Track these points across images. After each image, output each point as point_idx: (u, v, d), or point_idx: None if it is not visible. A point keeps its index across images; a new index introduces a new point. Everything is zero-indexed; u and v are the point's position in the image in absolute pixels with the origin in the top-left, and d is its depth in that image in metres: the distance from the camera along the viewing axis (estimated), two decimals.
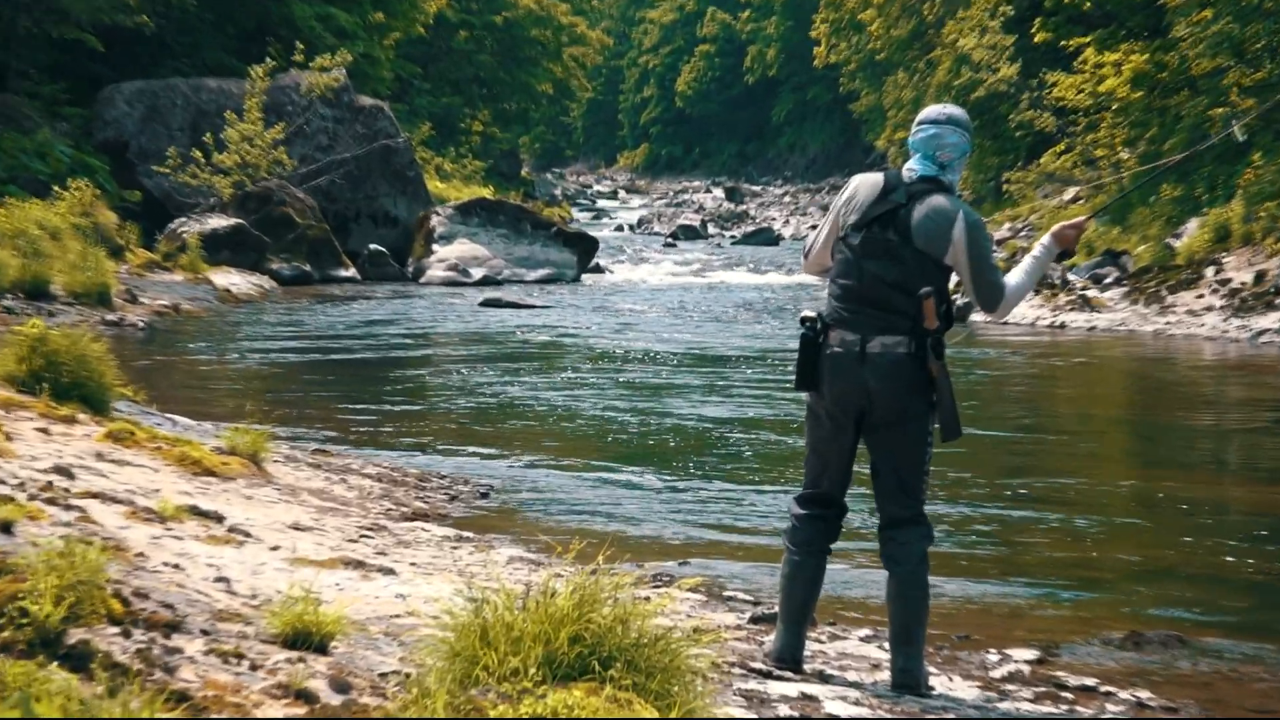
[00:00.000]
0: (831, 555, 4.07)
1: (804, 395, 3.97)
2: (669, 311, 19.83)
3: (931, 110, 3.96)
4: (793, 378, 4.00)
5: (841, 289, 3.86)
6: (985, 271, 3.87)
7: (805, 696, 3.58)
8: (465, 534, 5.80)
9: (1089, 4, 24.84)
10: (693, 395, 10.98)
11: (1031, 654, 4.41)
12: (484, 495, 6.94)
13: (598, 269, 28.12)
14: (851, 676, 3.99)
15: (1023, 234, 25.80)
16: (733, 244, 38.48)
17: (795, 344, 3.99)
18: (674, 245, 36.53)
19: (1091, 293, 19.01)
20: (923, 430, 3.85)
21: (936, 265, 3.83)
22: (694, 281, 26.76)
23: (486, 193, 36.92)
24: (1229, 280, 17.16)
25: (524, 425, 9.49)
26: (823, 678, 3.92)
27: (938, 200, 3.86)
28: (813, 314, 3.88)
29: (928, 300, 3.81)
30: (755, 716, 3.27)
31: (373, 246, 25.08)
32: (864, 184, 3.93)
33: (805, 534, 3.97)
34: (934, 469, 4.03)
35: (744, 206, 54.93)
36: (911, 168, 3.92)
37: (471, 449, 8.40)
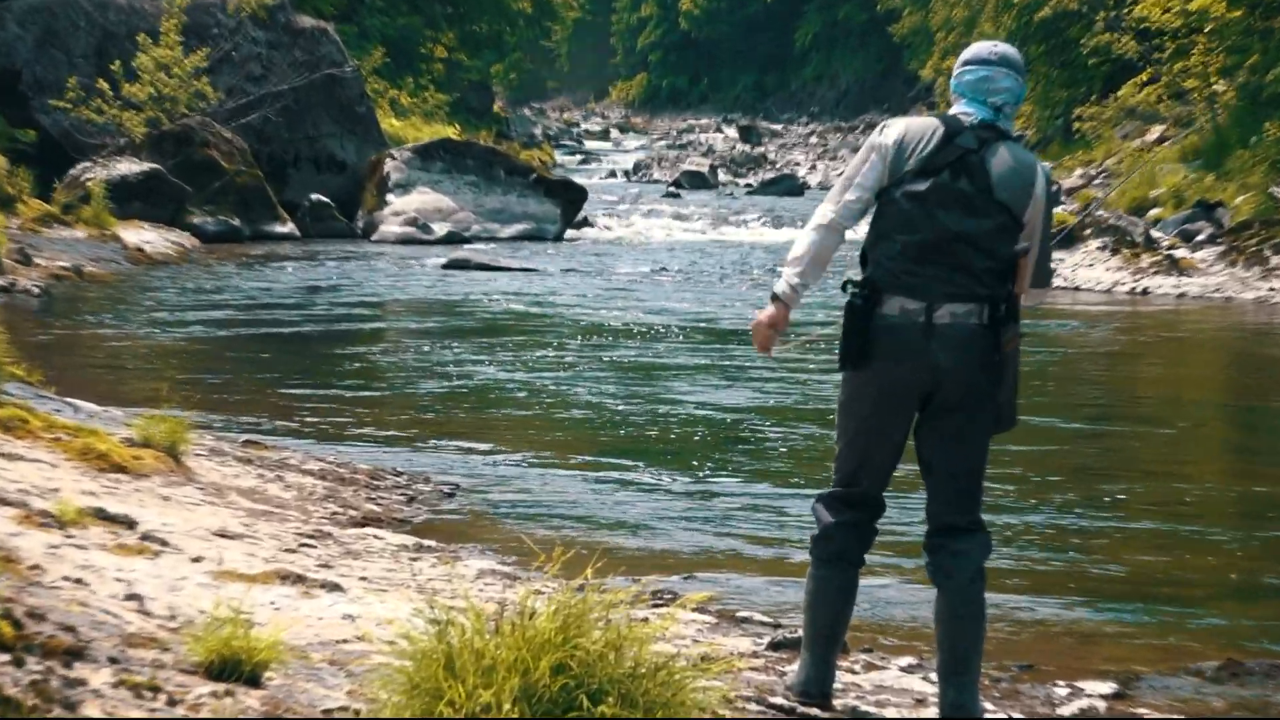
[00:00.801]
0: (866, 567, 4.08)
1: (842, 376, 3.97)
2: (672, 276, 19.81)
3: (980, 48, 3.99)
4: (832, 355, 4.02)
5: (902, 246, 3.85)
6: (1048, 240, 3.95)
7: None
8: (426, 542, 5.83)
9: None
10: (700, 378, 11.01)
11: (1108, 688, 4.41)
12: (449, 496, 6.99)
13: (586, 224, 28.05)
14: (891, 714, 4.00)
15: (1097, 182, 25.72)
16: (748, 194, 38.37)
17: (829, 315, 3.98)
18: (677, 196, 36.43)
19: (1180, 253, 18.94)
20: (991, 418, 3.89)
21: (1014, 222, 3.87)
22: (702, 239, 26.77)
23: (452, 132, 36.84)
24: None
25: (497, 413, 9.51)
26: (856, 715, 3.93)
27: (1015, 149, 3.92)
28: (860, 277, 3.89)
29: (1023, 258, 3.86)
30: None
31: (315, 197, 25.05)
32: (915, 127, 3.96)
33: (835, 543, 3.98)
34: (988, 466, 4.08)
35: (761, 149, 54.75)
36: (966, 111, 3.94)
37: (434, 441, 8.41)
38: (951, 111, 3.99)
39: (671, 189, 38.70)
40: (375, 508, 6.58)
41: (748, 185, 42.09)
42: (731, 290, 18.39)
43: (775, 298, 3.98)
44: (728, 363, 11.85)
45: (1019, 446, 8.04)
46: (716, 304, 16.51)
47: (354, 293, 16.83)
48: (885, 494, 4.03)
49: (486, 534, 6.30)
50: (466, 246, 23.08)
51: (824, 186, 42.04)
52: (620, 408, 9.70)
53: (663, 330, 13.94)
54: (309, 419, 8.98)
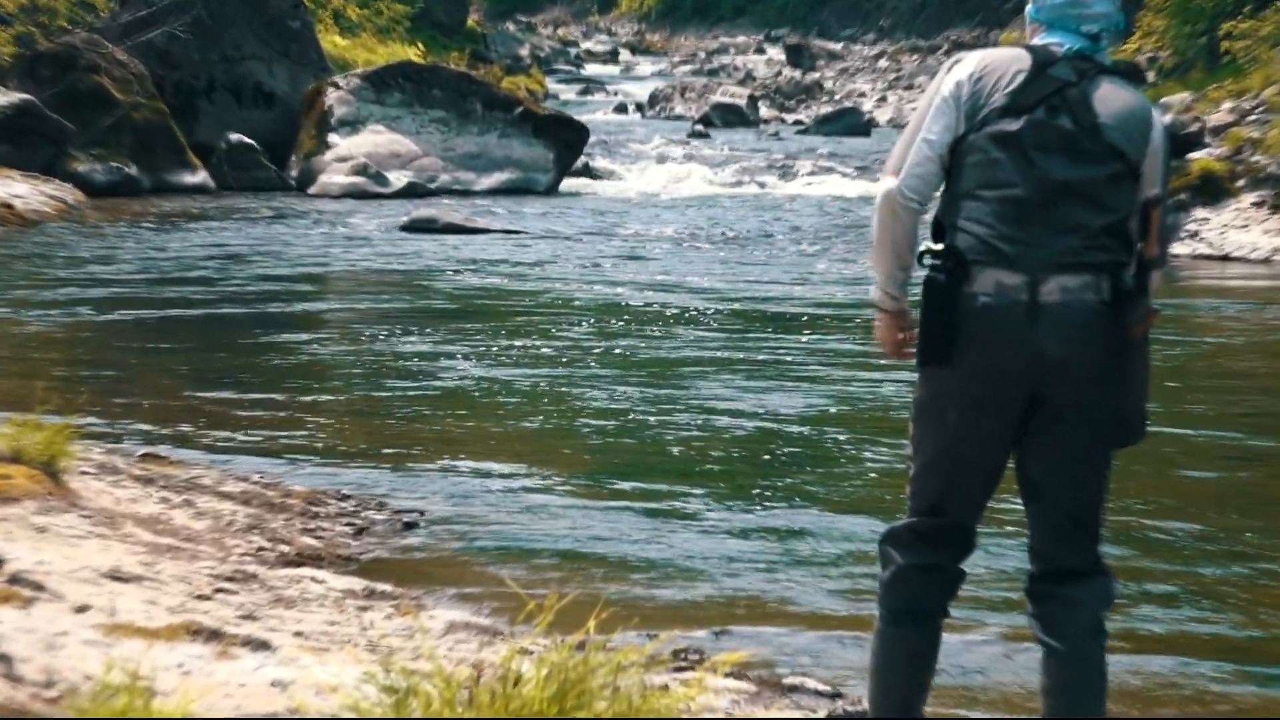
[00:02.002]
0: (949, 620, 4.12)
1: (920, 373, 3.99)
2: (698, 241, 19.73)
3: None
4: (909, 348, 4.05)
5: (992, 205, 3.89)
6: (1166, 202, 4.02)
7: None
8: (380, 587, 5.84)
9: None
10: (736, 376, 11.01)
11: None
12: (409, 526, 7.03)
13: (587, 173, 28.09)
14: None
15: (1252, 119, 25.63)
16: (799, 133, 38.24)
17: (910, 294, 3.99)
18: (706, 136, 36.40)
19: None
20: (1115, 428, 3.92)
21: (1130, 171, 3.91)
22: (737, 194, 26.74)
23: (414, 54, 36.87)
24: None
25: (472, 421, 9.51)
26: None
27: (1122, 85, 3.99)
28: (940, 245, 3.91)
29: (1154, 209, 3.89)
30: None
31: (235, 138, 25.14)
32: (994, 58, 4.03)
33: (911, 592, 4.02)
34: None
35: (815, 75, 54.84)
36: (1055, 41, 4.02)
37: (390, 455, 8.45)
38: (1038, 42, 4.04)
39: (698, 128, 38.64)
40: (314, 542, 6.61)
41: (798, 123, 42.02)
42: (778, 259, 18.30)
43: (877, 307, 4.13)
44: (772, 356, 11.81)
45: (1143, 467, 8.02)
46: (758, 278, 16.45)
47: (285, 263, 16.73)
48: (977, 525, 4.06)
49: (458, 576, 6.31)
50: (432, 202, 23.08)
51: (896, 125, 41.89)
52: (632, 415, 9.72)
53: (687, 313, 13.92)
54: (227, 427, 8.98)
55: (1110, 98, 3.91)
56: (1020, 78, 3.92)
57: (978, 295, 3.83)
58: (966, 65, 3.99)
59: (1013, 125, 3.87)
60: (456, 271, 16.40)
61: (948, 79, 4.00)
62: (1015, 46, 4.08)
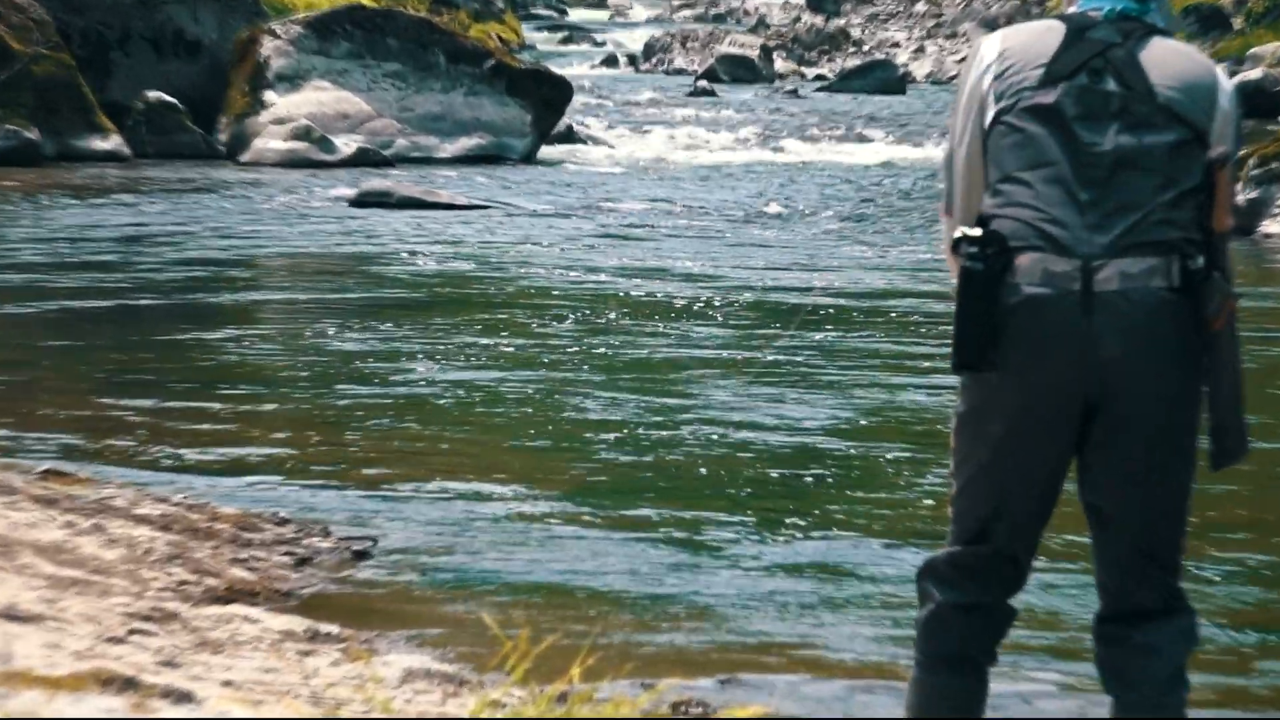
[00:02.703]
0: (996, 667, 4.13)
1: (960, 381, 4.02)
2: (701, 219, 19.79)
3: None
4: (946, 348, 4.04)
5: (1035, 186, 3.92)
6: (1234, 173, 4.06)
7: None
8: (325, 628, 5.83)
9: None
10: (747, 381, 10.94)
11: None
12: (360, 556, 7.04)
13: (571, 138, 28.08)
14: None
15: None
16: (821, 91, 38.24)
17: (931, 287, 3.99)
18: (711, 94, 36.46)
19: None
20: (1194, 438, 3.94)
21: (1198, 139, 3.93)
22: (748, 163, 26.69)
23: None
24: None
25: (435, 432, 9.54)
26: None
27: (1179, 46, 4.05)
28: (979, 231, 3.92)
29: (1221, 170, 3.89)
30: None
31: (154, 95, 25.08)
32: (1022, 31, 4.11)
33: (952, 634, 4.03)
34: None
35: (841, 22, 54.55)
36: (1094, 7, 4.05)
37: (338, 471, 8.48)
38: (1070, 10, 4.10)
39: (702, 84, 38.72)
40: (246, 574, 6.61)
41: (819, 78, 42.04)
42: (796, 241, 18.34)
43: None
44: (789, 357, 11.76)
45: (1243, 487, 7.95)
46: (772, 264, 16.47)
47: (214, 245, 16.75)
48: (1030, 556, 4.07)
49: (418, 615, 6.33)
50: (387, 173, 23.09)
51: (936, 81, 41.95)
52: (625, 426, 9.70)
53: (690, 306, 13.96)
54: (145, 439, 8.96)
55: (1164, 58, 3.95)
56: (1056, 44, 3.97)
57: (1021, 286, 3.83)
58: (991, 47, 4.06)
59: (1048, 96, 3.91)
60: (415, 254, 16.44)
61: (972, 73, 4.07)
62: (1045, 19, 4.17)
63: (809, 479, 8.70)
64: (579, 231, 18.32)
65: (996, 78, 3.98)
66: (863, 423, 9.87)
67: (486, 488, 8.25)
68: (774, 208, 20.87)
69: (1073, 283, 3.79)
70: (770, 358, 11.55)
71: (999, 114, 3.95)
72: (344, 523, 7.51)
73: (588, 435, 9.53)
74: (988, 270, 3.83)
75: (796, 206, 21.01)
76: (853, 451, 9.22)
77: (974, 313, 3.85)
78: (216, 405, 10.01)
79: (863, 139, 28.57)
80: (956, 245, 3.87)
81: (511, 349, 12.03)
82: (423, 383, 10.80)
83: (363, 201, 20.09)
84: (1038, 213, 3.84)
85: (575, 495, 8.22)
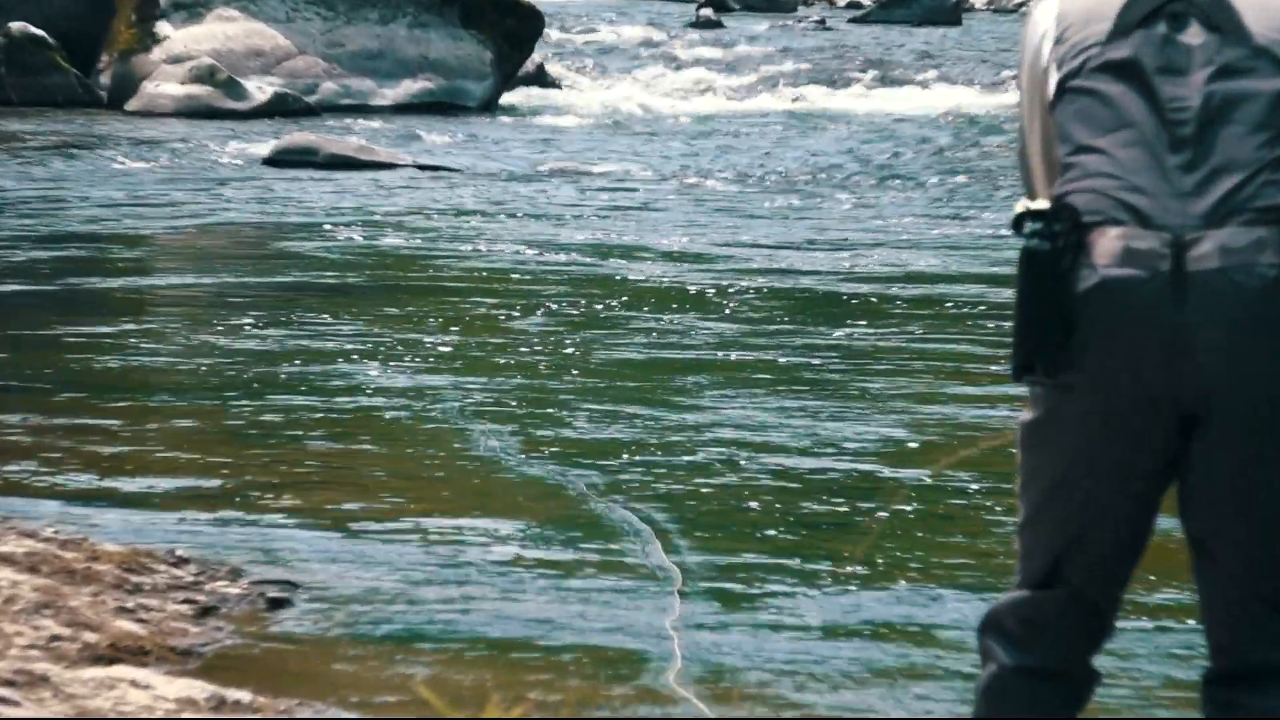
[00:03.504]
0: None
1: (1029, 390, 4.01)
2: (704, 184, 19.82)
3: None
4: (1005, 349, 4.02)
5: (1113, 154, 3.90)
6: None
7: None
8: (232, 694, 5.79)
9: None
10: (769, 390, 10.88)
11: None
12: (277, 604, 7.01)
13: (539, 81, 28.14)
14: None
15: None
16: (854, 20, 38.66)
17: (1000, 270, 3.91)
18: (716, 25, 36.79)
19: None
20: None
21: None
22: (763, 111, 27.00)
23: None
24: None
25: (376, 449, 9.56)
26: None
27: None
28: (1044, 204, 3.90)
29: None
30: None
31: (17, 27, 25.64)
32: None
33: (1018, 704, 4.01)
34: None
35: None
36: None
37: (251, 499, 8.46)
38: None
39: (704, 14, 39.13)
40: (134, 627, 6.55)
41: (853, 6, 42.59)
42: (823, 212, 18.46)
43: None
44: (820, 359, 11.71)
45: None
46: (792, 241, 16.65)
47: (94, 216, 17.07)
48: (1115, 603, 4.05)
49: (348, 677, 6.30)
50: (312, 124, 23.05)
51: (999, 9, 42.22)
52: (611, 445, 9.64)
53: (693, 293, 14.00)
54: (9, 458, 8.93)
55: None
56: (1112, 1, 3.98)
57: (1098, 268, 3.84)
58: (1046, 9, 4.12)
59: (1122, 50, 3.96)
60: (350, 227, 16.43)
61: (1029, 42, 4.14)
62: None
63: (857, 515, 8.64)
64: (551, 200, 18.33)
65: (1057, 42, 4.02)
66: (915, 444, 9.79)
67: (439, 522, 8.21)
68: (794, 169, 20.89)
69: (1161, 262, 3.80)
70: (801, 360, 11.44)
71: (1064, 80, 3.99)
72: (257, 563, 7.51)
73: (566, 454, 9.41)
74: (1056, 250, 3.85)
75: (822, 168, 21.05)
76: (909, 480, 9.16)
77: (1039, 303, 3.88)
78: (99, 417, 10.01)
79: (906, 83, 28.66)
80: (1018, 223, 3.87)
81: (470, 347, 11.99)
82: (359, 390, 10.78)
83: (281, 160, 20.16)
84: (1116, 181, 3.87)
85: (549, 529, 8.17)
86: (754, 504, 8.67)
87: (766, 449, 9.52)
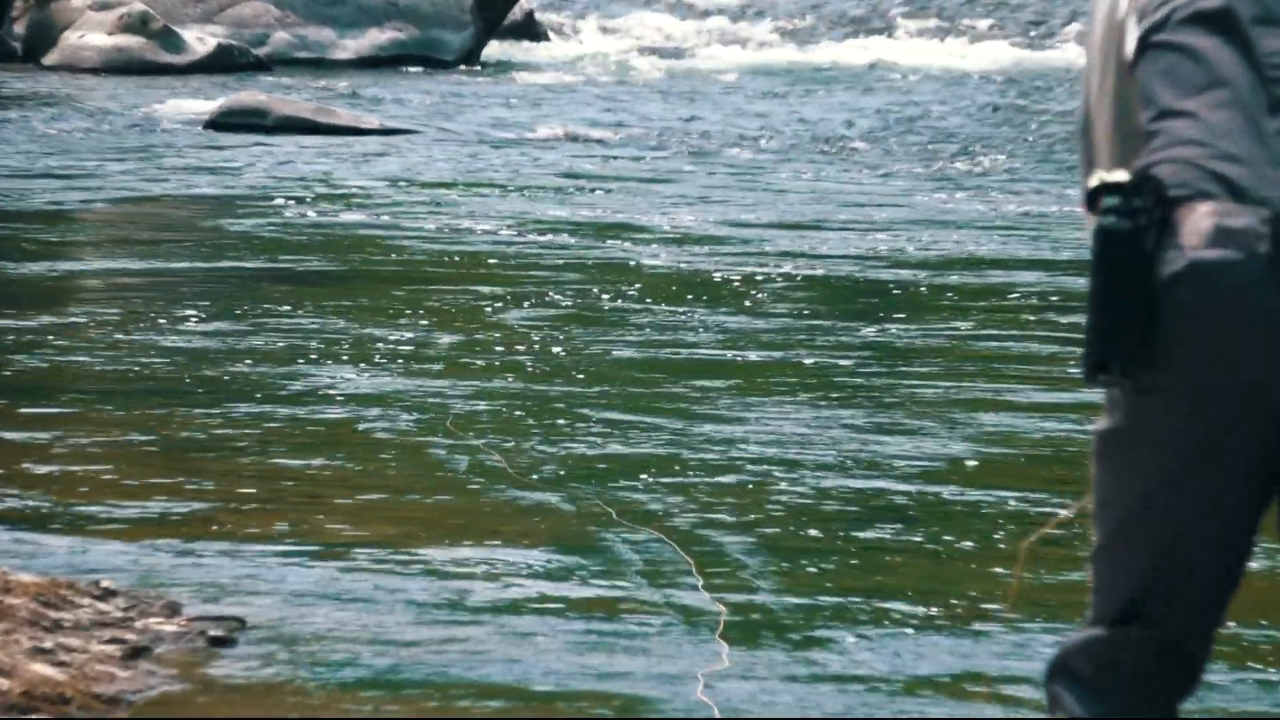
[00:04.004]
0: None
1: (1105, 395, 4.09)
2: (716, 152, 19.63)
3: None
4: (1076, 346, 4.10)
5: (1201, 112, 3.97)
6: None
7: None
8: None
9: None
10: (803, 399, 10.93)
11: None
12: (218, 644, 7.10)
13: (528, 32, 28.12)
14: None
15: None
16: None
17: (1070, 254, 3.80)
18: None
19: None
20: None
21: None
22: (788, 65, 26.86)
23: None
24: None
25: (339, 464, 9.61)
26: None
27: None
28: (1122, 176, 3.92)
29: None
30: None
31: None
32: None
33: None
34: None
35: None
36: None
37: (192, 522, 8.50)
38: None
39: None
40: (52, 671, 6.63)
41: None
42: (864, 185, 18.49)
43: None
44: (860, 361, 11.76)
45: None
46: (828, 219, 16.88)
47: (8, 189, 17.25)
48: (1206, 644, 4.10)
49: None
50: (261, 80, 23.00)
51: None
52: (632, 465, 9.66)
53: (709, 282, 14.01)
54: None
55: None
56: None
57: (1186, 249, 3.88)
58: None
59: (1214, 1, 3.99)
60: (306, 203, 16.27)
61: (1098, 11, 4.22)
62: None
63: (926, 546, 8.72)
64: (540, 168, 18.31)
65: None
66: (970, 464, 9.78)
67: (411, 551, 8.21)
68: (830, 133, 20.90)
69: (1259, 241, 3.87)
70: (839, 363, 11.36)
71: (1146, 35, 4.06)
72: (197, 596, 7.57)
73: (563, 472, 9.39)
74: (1137, 229, 3.89)
75: (864, 131, 21.04)
76: (977, 502, 9.20)
77: (1117, 291, 3.94)
78: (14, 429, 10.12)
79: (959, 32, 28.71)
80: (1092, 198, 3.92)
81: (448, 345, 11.88)
82: (321, 396, 10.75)
83: (225, 123, 20.12)
84: (1207, 149, 3.93)
85: (559, 563, 8.18)
86: (797, 530, 8.76)
87: (807, 466, 9.53)
